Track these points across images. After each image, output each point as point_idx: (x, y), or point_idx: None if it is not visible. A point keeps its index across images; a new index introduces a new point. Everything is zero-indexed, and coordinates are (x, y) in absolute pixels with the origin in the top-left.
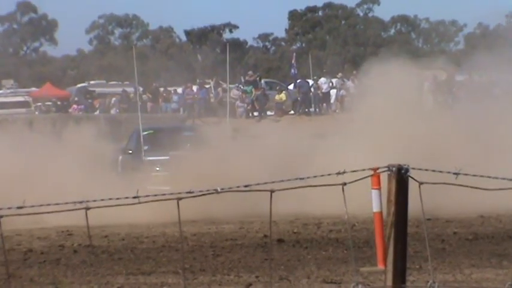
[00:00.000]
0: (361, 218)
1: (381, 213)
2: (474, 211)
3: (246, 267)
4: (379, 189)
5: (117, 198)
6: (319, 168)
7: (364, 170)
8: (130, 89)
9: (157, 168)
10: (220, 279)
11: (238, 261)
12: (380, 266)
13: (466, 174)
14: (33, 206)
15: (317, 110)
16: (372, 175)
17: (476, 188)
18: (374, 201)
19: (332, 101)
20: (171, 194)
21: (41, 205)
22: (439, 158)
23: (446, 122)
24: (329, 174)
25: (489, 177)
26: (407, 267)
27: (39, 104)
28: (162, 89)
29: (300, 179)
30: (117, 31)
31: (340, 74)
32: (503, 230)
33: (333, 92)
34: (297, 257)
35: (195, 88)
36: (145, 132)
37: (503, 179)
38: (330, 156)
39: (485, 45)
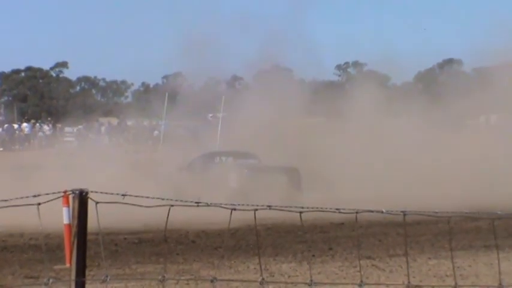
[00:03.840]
0: (56, 229)
1: (70, 224)
2: (141, 222)
3: None
4: (69, 206)
5: None
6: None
7: (57, 192)
8: None
9: None
10: None
11: None
12: (68, 265)
13: (130, 195)
14: None
15: (21, 147)
16: (62, 196)
17: (137, 205)
18: (65, 216)
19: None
20: None
21: None
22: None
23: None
24: (27, 197)
25: (147, 197)
26: (90, 264)
27: None
28: None
29: (4, 200)
30: None
31: (39, 121)
32: (161, 235)
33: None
34: (5, 259)
35: None
36: None
37: (157, 198)
38: (31, 182)
39: (147, 99)
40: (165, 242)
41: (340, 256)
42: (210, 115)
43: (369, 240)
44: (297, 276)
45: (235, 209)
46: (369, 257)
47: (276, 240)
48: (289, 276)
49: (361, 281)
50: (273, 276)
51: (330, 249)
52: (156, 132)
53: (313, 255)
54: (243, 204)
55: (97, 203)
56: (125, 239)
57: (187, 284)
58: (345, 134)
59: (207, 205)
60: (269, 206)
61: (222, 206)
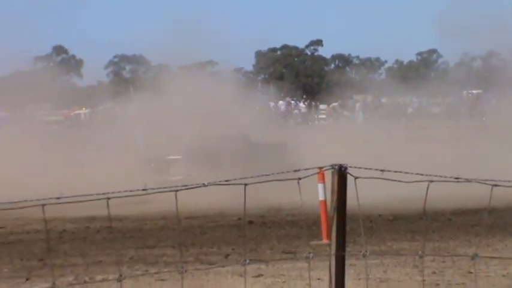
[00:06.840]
0: (311, 205)
1: (325, 201)
2: (396, 198)
3: (225, 242)
4: (324, 182)
5: (130, 190)
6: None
7: (313, 168)
8: None
9: None
10: (206, 251)
11: (219, 238)
12: (325, 240)
13: (389, 171)
14: (67, 197)
15: (277, 124)
16: (318, 172)
17: (396, 181)
18: (320, 192)
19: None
20: (170, 187)
21: (73, 196)
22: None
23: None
24: (288, 172)
25: (406, 172)
26: (345, 240)
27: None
28: None
29: (266, 175)
30: (128, 67)
31: (294, 98)
32: (416, 212)
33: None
34: (263, 234)
35: None
36: None
37: (416, 174)
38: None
39: (400, 76)
40: (421, 219)
41: None
42: (466, 92)
43: None
44: None
45: (496, 185)
46: None
47: None
48: None
49: None
50: None
51: None
52: (409, 109)
53: None
54: (504, 181)
55: (356, 178)
56: (380, 215)
57: (444, 262)
58: None
59: (468, 181)
60: None
61: (482, 181)
